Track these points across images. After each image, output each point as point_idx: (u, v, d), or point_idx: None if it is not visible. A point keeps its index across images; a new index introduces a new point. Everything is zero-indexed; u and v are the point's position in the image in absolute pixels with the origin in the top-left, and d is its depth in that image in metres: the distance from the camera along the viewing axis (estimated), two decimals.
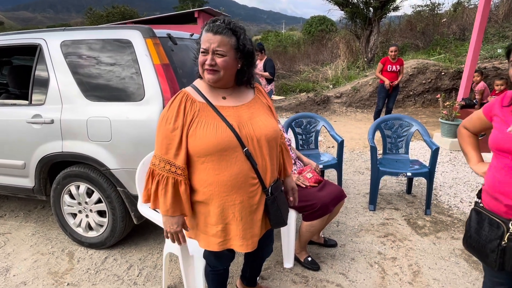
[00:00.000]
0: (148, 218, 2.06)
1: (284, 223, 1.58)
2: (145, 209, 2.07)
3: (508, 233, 1.29)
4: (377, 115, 6.36)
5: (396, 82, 6.09)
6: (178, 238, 1.47)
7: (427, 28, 11.72)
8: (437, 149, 3.03)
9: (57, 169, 2.61)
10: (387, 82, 6.01)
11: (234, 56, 1.35)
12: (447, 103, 5.20)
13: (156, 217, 2.00)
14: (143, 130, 2.24)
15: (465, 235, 1.50)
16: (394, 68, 6.08)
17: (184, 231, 1.50)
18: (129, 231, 2.68)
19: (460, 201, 3.46)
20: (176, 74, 2.36)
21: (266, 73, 5.73)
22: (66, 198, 2.62)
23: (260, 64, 5.78)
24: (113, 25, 13.91)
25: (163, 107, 2.22)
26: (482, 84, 5.91)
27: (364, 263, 2.48)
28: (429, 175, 3.06)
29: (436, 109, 7.70)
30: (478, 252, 1.43)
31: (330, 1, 11.10)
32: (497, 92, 5.51)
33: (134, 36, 2.30)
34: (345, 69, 10.22)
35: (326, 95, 8.40)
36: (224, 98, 1.43)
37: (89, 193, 2.57)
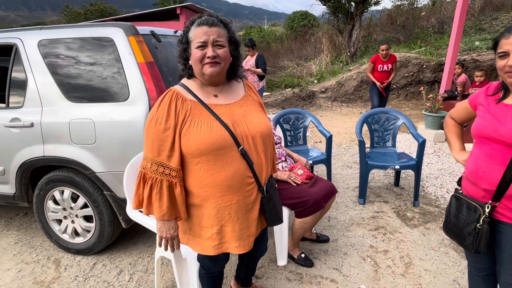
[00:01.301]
0: (137, 221, 2.00)
1: (280, 220, 1.56)
2: (134, 213, 2.00)
3: (484, 215, 1.36)
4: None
5: (386, 83, 5.65)
6: (173, 244, 1.42)
7: (407, 22, 11.90)
8: (424, 141, 3.08)
9: (39, 174, 2.50)
10: (378, 84, 5.63)
11: (229, 48, 1.34)
12: (430, 95, 5.29)
13: (146, 221, 1.94)
14: (129, 131, 2.17)
15: (445, 220, 1.57)
16: (385, 67, 5.63)
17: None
18: (118, 235, 2.61)
19: (447, 192, 3.53)
20: (162, 72, 2.30)
21: (259, 70, 5.67)
22: (50, 204, 2.52)
23: (252, 60, 5.71)
24: (93, 23, 13.55)
25: (149, 107, 2.16)
26: (463, 76, 6.05)
27: (357, 257, 2.49)
28: (417, 167, 3.10)
29: (419, 101, 7.85)
30: (456, 236, 1.50)
31: None
32: (477, 83, 5.65)
33: (116, 34, 2.22)
34: (329, 64, 10.27)
35: (311, 90, 8.43)
36: (215, 96, 1.39)
37: (74, 198, 2.48)
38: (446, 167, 4.20)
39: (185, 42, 1.33)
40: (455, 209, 1.50)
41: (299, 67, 10.84)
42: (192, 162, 1.33)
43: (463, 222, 1.44)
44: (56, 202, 2.53)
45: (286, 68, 11.37)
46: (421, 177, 3.86)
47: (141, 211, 1.39)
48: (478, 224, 1.38)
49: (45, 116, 2.31)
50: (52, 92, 2.30)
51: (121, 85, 2.21)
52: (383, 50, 5.58)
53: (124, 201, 2.26)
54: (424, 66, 8.15)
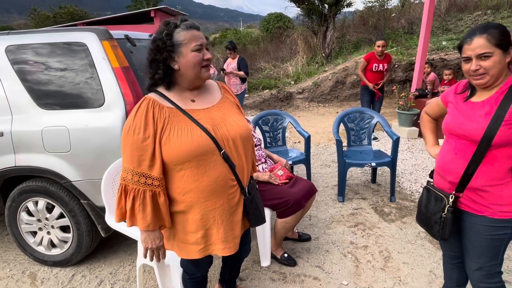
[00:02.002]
0: (117, 229, 1.96)
1: (263, 220, 1.58)
2: (113, 221, 1.96)
3: (448, 205, 1.45)
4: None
5: (382, 83, 5.03)
6: (158, 254, 1.40)
7: (379, 23, 12.26)
8: (398, 139, 3.19)
9: (11, 185, 2.39)
10: (371, 86, 4.98)
11: None
12: (402, 94, 5.49)
13: (126, 228, 1.90)
14: (105, 137, 2.12)
15: (417, 211, 1.66)
16: (380, 67, 4.96)
17: None
18: (97, 244, 2.54)
19: (421, 186, 3.67)
20: (137, 77, 2.26)
21: (241, 72, 5.64)
22: (23, 215, 2.42)
23: (233, 63, 5.69)
24: (63, 27, 13.06)
25: (126, 112, 2.12)
26: (432, 75, 6.30)
27: (338, 253, 2.55)
28: (392, 164, 3.21)
29: (393, 100, 8.10)
30: (425, 225, 1.60)
31: None
32: (446, 81, 5.90)
33: (89, 38, 2.16)
34: (305, 65, 10.42)
35: (289, 91, 8.52)
36: (193, 101, 1.38)
37: (49, 208, 2.39)
38: (419, 162, 4.37)
39: (170, 45, 1.26)
40: (425, 199, 1.59)
41: (276, 68, 10.93)
42: (174, 169, 1.32)
43: (431, 212, 1.53)
44: (30, 213, 2.43)
45: (263, 69, 11.42)
46: (397, 173, 4.00)
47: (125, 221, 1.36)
48: (443, 213, 1.47)
49: (16, 125, 2.21)
50: (22, 99, 2.21)
51: (95, 90, 2.16)
52: (379, 47, 4.87)
53: (102, 209, 2.20)
54: (396, 65, 8.43)
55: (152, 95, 1.33)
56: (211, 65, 4.84)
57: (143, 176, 1.27)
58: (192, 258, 1.44)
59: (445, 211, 1.47)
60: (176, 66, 1.30)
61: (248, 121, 2.72)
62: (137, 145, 1.25)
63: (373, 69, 4.96)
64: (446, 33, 10.34)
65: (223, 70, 5.63)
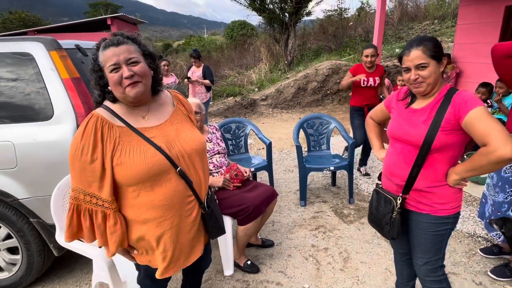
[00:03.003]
0: (70, 248, 1.87)
1: (223, 231, 1.57)
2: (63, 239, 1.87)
3: (397, 207, 1.54)
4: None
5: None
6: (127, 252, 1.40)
7: (337, 31, 12.75)
8: (354, 143, 3.33)
9: None
10: (359, 77, 3.71)
11: (145, 62, 1.27)
12: None
13: (79, 247, 1.83)
14: (54, 152, 2.03)
15: (369, 212, 1.74)
16: (371, 81, 3.77)
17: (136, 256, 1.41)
18: (50, 264, 2.40)
19: None
20: (89, 88, 2.19)
21: (207, 81, 5.59)
22: None
23: (198, 71, 5.62)
24: (9, 35, 12.26)
25: (77, 125, 2.04)
26: (386, 81, 6.63)
27: (300, 257, 2.60)
28: (349, 167, 3.34)
29: None
30: (377, 225, 1.68)
31: (247, 7, 11.38)
32: (399, 87, 6.26)
33: (35, 48, 2.07)
34: (268, 72, 10.58)
35: (253, 98, 8.61)
36: (144, 117, 1.32)
37: None
38: (376, 164, 4.58)
39: (98, 70, 1.23)
40: (375, 202, 1.67)
41: (240, 75, 11.00)
42: (128, 190, 1.27)
43: (381, 213, 1.62)
44: None
45: (227, 77, 11.45)
46: (355, 175, 4.17)
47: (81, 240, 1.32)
48: (392, 214, 1.56)
49: None
50: None
51: (43, 103, 2.06)
52: (367, 56, 3.72)
53: (54, 227, 2.09)
54: None
55: (100, 112, 1.26)
56: (171, 73, 4.76)
57: (94, 197, 1.23)
58: (166, 276, 1.41)
59: (394, 212, 1.55)
60: (110, 87, 1.25)
61: (216, 128, 2.73)
62: (85, 166, 1.20)
63: (362, 85, 3.79)
64: (399, 41, 10.97)
65: (188, 78, 5.58)
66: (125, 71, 1.20)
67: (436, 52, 1.41)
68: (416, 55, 1.41)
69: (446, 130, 1.39)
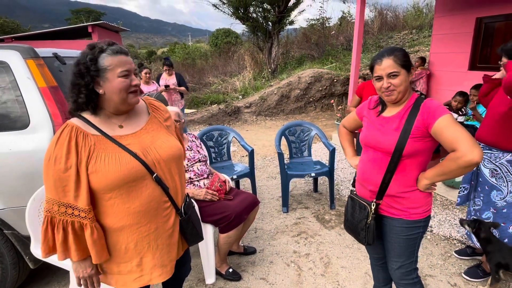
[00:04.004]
0: (46, 260, 1.82)
1: (201, 238, 1.57)
2: (39, 252, 1.83)
3: (372, 213, 1.57)
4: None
5: None
6: (92, 282, 1.34)
7: (320, 40, 13.02)
8: (334, 149, 3.39)
9: None
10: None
11: None
12: (340, 107, 5.86)
13: (55, 259, 1.78)
14: (30, 161, 1.99)
15: (344, 219, 1.77)
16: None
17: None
18: (25, 277, 2.33)
19: None
20: (67, 97, 2.16)
21: (183, 88, 5.62)
22: None
23: (172, 79, 5.63)
24: None
25: (54, 134, 2.01)
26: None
27: (282, 264, 2.62)
28: (330, 173, 3.39)
29: (333, 112, 8.60)
30: (353, 232, 1.70)
31: (231, 16, 11.49)
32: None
33: (11, 57, 2.04)
34: (252, 79, 10.67)
35: (237, 106, 8.65)
36: (121, 127, 1.34)
37: None
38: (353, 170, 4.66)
39: (94, 71, 1.22)
40: (351, 208, 1.70)
41: (224, 83, 11.05)
42: (103, 198, 1.27)
43: (357, 220, 1.64)
44: None
45: (211, 84, 11.48)
46: (337, 181, 4.23)
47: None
48: (367, 220, 1.59)
49: None
50: None
51: (20, 112, 2.02)
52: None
53: (29, 238, 2.04)
54: (335, 80, 8.99)
55: (74, 121, 1.27)
56: (152, 81, 4.77)
57: (70, 207, 1.22)
58: None
59: (369, 218, 1.58)
60: (101, 91, 1.25)
61: (195, 137, 2.73)
62: (59, 175, 1.20)
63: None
64: (378, 50, 11.28)
65: (167, 86, 5.57)
66: (134, 80, 1.28)
67: (406, 62, 1.48)
68: (388, 64, 1.47)
69: (416, 137, 1.45)
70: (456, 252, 2.67)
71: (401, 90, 1.48)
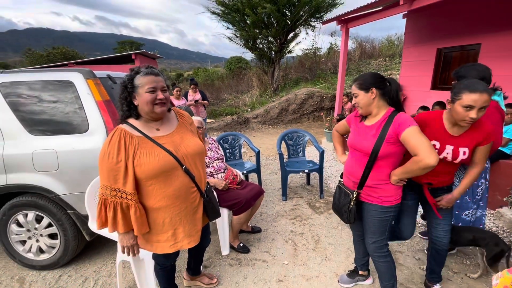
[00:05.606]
0: (100, 233, 1.88)
1: (219, 214, 1.62)
2: (95, 227, 1.88)
3: (353, 199, 1.62)
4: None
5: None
6: (133, 250, 1.39)
7: (313, 65, 13.02)
8: (323, 151, 3.41)
9: (1, 201, 2.19)
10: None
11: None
12: (328, 118, 5.86)
13: (106, 231, 1.83)
14: (89, 157, 2.05)
15: (332, 202, 1.80)
16: (449, 153, 1.57)
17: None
18: (82, 247, 2.38)
19: None
20: (117, 108, 2.22)
21: (206, 102, 5.75)
22: (13, 227, 2.21)
23: (197, 96, 5.71)
24: (55, 66, 12.12)
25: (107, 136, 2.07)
26: (349, 104, 6.79)
27: (281, 240, 2.63)
28: (320, 170, 3.40)
29: (323, 122, 8.59)
30: (338, 213, 1.74)
31: (242, 46, 11.59)
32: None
33: (76, 77, 2.11)
34: (258, 96, 10.71)
35: (246, 117, 8.69)
36: (158, 129, 1.40)
37: (38, 219, 2.22)
38: (341, 168, 4.66)
39: (130, 88, 1.31)
40: (338, 194, 1.74)
41: (236, 99, 11.11)
42: (145, 184, 1.33)
43: (342, 204, 1.67)
44: (19, 225, 2.23)
45: (226, 100, 11.55)
46: (325, 176, 4.23)
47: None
48: (350, 205, 1.61)
49: (7, 149, 2.06)
50: (13, 127, 2.08)
51: (81, 119, 2.09)
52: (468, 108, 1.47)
53: (86, 217, 2.10)
54: (324, 97, 8.99)
55: (123, 126, 1.33)
56: (182, 96, 4.83)
57: (119, 191, 1.27)
58: (165, 252, 1.43)
59: (351, 203, 1.62)
60: (136, 103, 1.33)
61: (214, 140, 2.77)
62: (112, 167, 1.26)
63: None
64: (359, 74, 11.27)
65: (196, 101, 5.65)
66: (160, 95, 1.31)
67: (362, 85, 1.53)
68: (353, 88, 1.57)
69: (389, 142, 1.47)
70: (420, 233, 2.66)
71: (362, 106, 1.55)
